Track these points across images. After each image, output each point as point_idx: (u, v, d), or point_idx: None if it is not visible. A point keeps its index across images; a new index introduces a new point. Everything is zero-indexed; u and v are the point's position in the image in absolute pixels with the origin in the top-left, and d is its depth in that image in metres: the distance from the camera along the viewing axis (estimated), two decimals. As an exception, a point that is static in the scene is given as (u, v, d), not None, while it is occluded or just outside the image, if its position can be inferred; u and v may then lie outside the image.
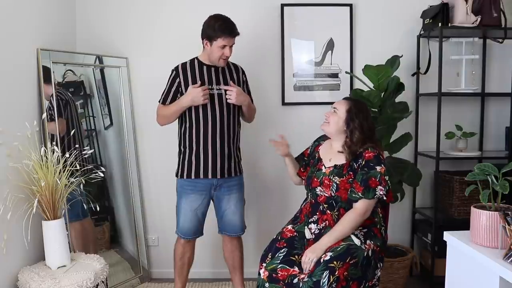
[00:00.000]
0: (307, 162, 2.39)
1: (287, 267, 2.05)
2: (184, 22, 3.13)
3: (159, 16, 3.15)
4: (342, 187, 2.13)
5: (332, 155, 2.23)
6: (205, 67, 2.53)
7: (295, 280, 1.99)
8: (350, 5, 3.13)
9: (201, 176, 2.53)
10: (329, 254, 1.99)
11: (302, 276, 1.99)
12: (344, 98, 2.28)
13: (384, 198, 2.10)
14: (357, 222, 2.09)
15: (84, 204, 2.57)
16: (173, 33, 3.15)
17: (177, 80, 2.52)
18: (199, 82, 2.49)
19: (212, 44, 2.44)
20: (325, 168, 2.22)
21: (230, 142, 2.56)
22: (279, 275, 2.04)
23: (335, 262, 1.94)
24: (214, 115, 2.50)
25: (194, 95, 2.43)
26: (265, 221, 3.23)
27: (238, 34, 2.47)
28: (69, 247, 2.48)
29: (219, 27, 2.40)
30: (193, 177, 2.54)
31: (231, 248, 2.71)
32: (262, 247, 2.25)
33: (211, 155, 2.52)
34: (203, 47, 2.51)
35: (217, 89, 2.52)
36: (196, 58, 2.57)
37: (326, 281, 1.90)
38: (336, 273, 1.92)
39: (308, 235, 2.17)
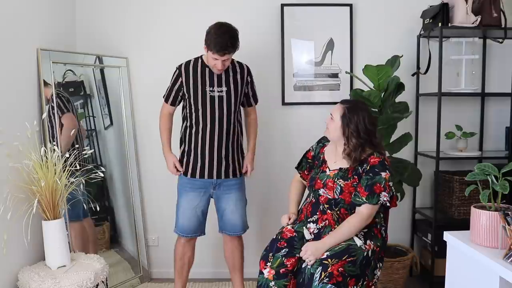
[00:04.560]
0: (311, 164, 2.38)
1: (292, 256, 2.09)
2: (184, 22, 3.14)
3: (159, 16, 3.15)
4: (346, 190, 2.13)
5: (337, 158, 2.22)
6: (207, 69, 2.51)
7: (304, 265, 2.04)
8: (350, 5, 3.13)
9: (197, 177, 2.55)
10: (326, 253, 2.01)
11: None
12: (341, 102, 2.23)
13: (388, 204, 2.10)
14: (360, 226, 2.09)
15: (84, 204, 2.57)
16: (173, 33, 3.15)
17: (180, 80, 2.52)
18: (182, 170, 2.58)
19: (208, 52, 2.43)
20: (330, 170, 2.22)
21: (229, 144, 2.56)
22: (288, 265, 2.06)
23: (329, 260, 1.97)
24: (213, 117, 2.50)
25: (168, 164, 2.62)
26: (265, 221, 3.22)
27: (230, 53, 2.41)
28: (69, 247, 2.48)
29: (213, 41, 2.35)
30: (189, 176, 2.57)
31: (231, 248, 2.71)
32: (262, 247, 2.25)
33: (208, 157, 2.53)
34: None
35: (218, 91, 2.51)
36: (201, 57, 2.56)
37: (318, 276, 1.93)
38: (329, 269, 1.93)
39: (307, 235, 2.17)
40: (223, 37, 2.36)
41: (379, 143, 2.20)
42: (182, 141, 2.61)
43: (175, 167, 2.60)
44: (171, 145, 2.65)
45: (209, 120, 2.50)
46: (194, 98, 2.50)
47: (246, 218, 2.68)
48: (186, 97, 2.52)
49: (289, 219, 2.29)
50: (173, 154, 2.63)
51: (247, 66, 2.64)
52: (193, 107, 2.51)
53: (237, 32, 2.42)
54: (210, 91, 2.49)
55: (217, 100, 2.50)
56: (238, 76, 2.58)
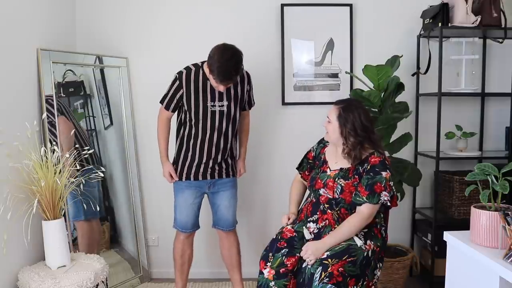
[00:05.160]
0: (312, 164, 2.38)
1: (292, 255, 2.09)
2: (184, 22, 3.14)
3: (159, 16, 3.15)
4: (347, 190, 2.13)
5: (338, 159, 2.22)
6: (208, 82, 2.47)
7: (304, 265, 2.04)
8: (350, 5, 3.13)
9: (192, 179, 2.59)
10: (326, 253, 2.01)
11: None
12: (335, 103, 2.22)
13: (388, 204, 2.10)
14: (361, 226, 2.09)
15: (84, 204, 2.58)
16: (173, 33, 3.15)
17: (181, 91, 2.49)
18: (176, 179, 2.59)
19: (210, 75, 2.39)
20: (330, 170, 2.22)
21: (226, 151, 2.59)
22: (288, 265, 2.07)
23: (329, 260, 1.97)
24: (212, 129, 2.52)
25: (164, 172, 2.62)
26: (265, 221, 3.23)
27: (232, 82, 2.38)
28: (70, 247, 2.48)
29: (216, 70, 2.30)
30: (184, 180, 2.60)
31: (228, 245, 2.73)
32: (261, 247, 2.25)
33: (204, 163, 2.57)
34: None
35: (219, 106, 2.50)
36: (202, 67, 2.50)
37: (318, 276, 1.93)
38: (329, 269, 1.93)
39: (307, 235, 2.17)
40: (226, 65, 2.29)
41: (378, 139, 2.20)
42: (179, 148, 2.61)
43: (170, 175, 2.62)
44: (168, 152, 2.65)
45: (208, 132, 2.52)
46: (195, 111, 2.49)
47: (236, 214, 2.73)
48: (186, 108, 2.51)
49: (289, 219, 2.29)
50: (169, 162, 2.63)
51: (247, 74, 2.60)
52: (193, 119, 2.51)
53: (241, 56, 2.35)
54: (211, 106, 2.48)
55: (217, 115, 2.50)
56: (239, 88, 2.55)
